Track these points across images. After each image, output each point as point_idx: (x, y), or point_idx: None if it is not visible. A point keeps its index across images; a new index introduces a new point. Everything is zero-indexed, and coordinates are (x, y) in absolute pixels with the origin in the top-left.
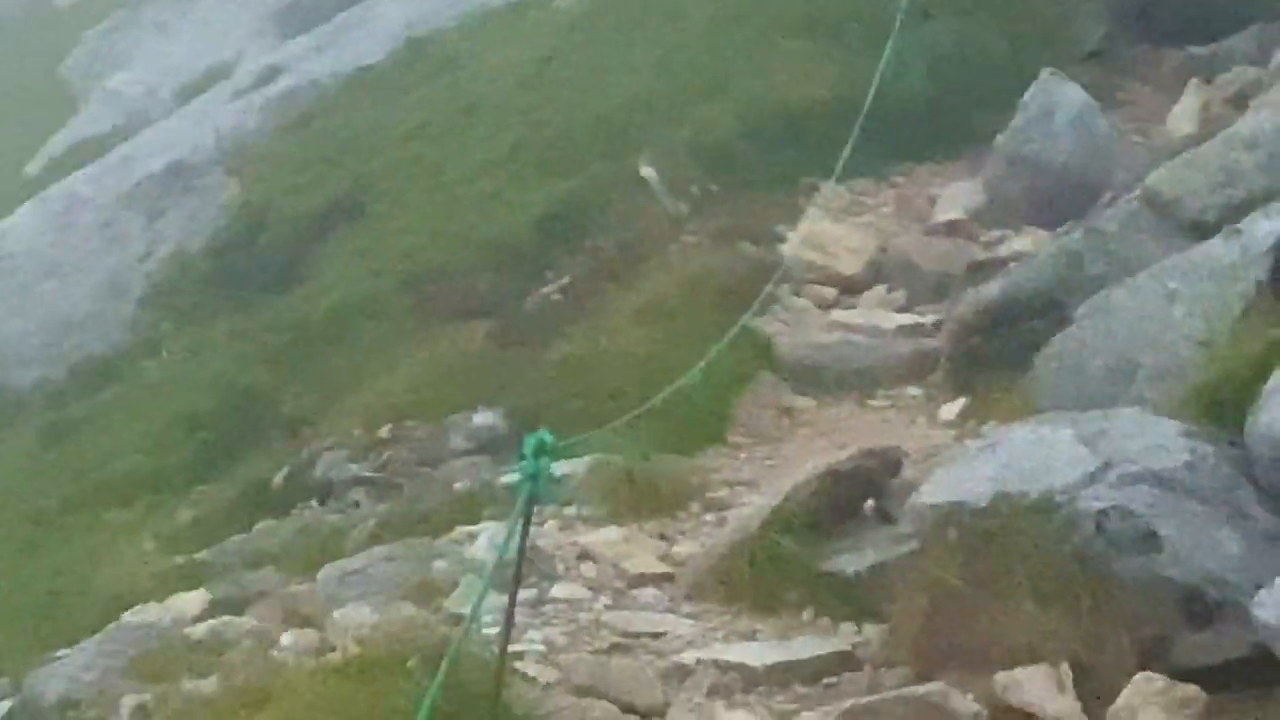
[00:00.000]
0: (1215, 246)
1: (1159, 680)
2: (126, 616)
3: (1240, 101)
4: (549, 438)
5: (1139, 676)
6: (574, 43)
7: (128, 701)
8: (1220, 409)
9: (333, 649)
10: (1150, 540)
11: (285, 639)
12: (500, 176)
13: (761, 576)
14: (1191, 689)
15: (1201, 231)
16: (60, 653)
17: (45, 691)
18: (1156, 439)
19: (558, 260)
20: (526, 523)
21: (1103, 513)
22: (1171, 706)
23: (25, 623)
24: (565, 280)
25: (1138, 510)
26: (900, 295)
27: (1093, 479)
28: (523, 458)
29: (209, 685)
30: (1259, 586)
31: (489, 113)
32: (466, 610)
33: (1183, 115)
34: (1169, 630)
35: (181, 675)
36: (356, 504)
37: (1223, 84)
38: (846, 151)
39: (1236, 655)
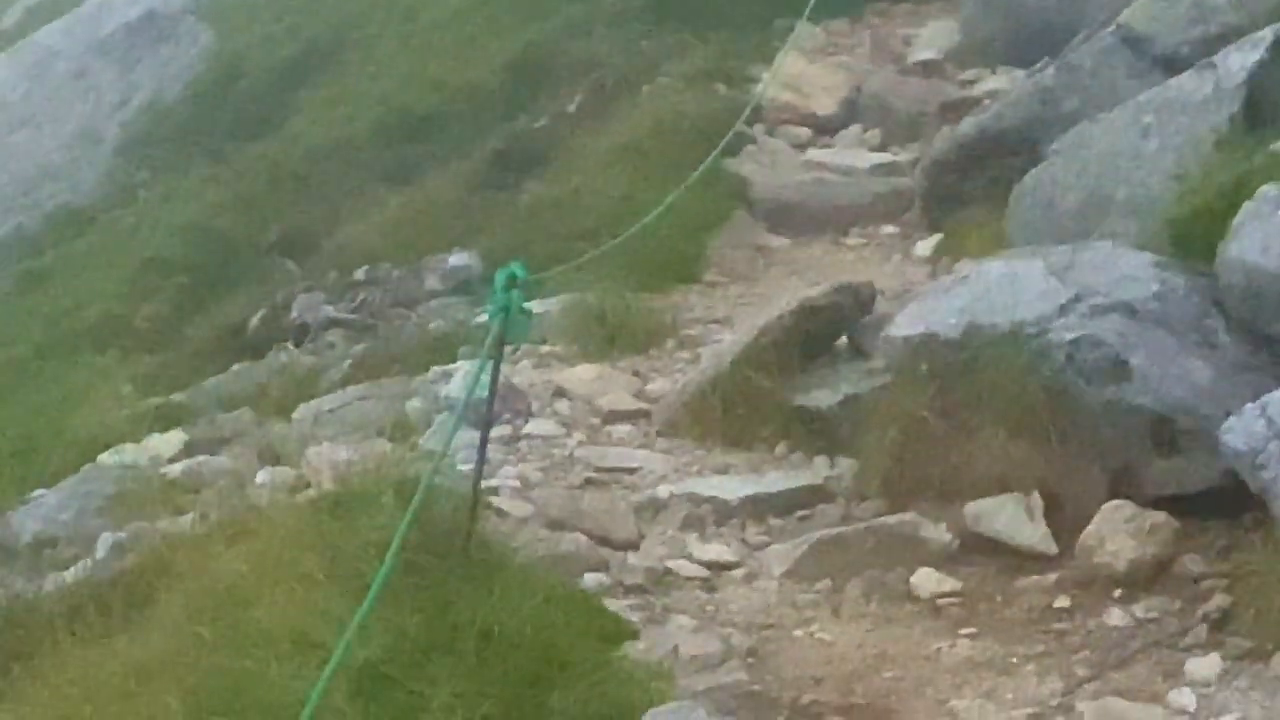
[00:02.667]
0: (1188, 81)
1: (1128, 508)
2: (103, 457)
3: None
4: (520, 271)
5: (1108, 505)
6: None
7: (104, 539)
8: (1191, 241)
9: (308, 486)
10: (1120, 370)
11: (261, 477)
12: (474, 21)
13: (735, 412)
14: (1161, 516)
15: (1175, 67)
16: (36, 493)
17: (21, 531)
18: (1127, 270)
19: (531, 104)
20: (499, 358)
21: (1073, 343)
22: (1141, 534)
23: (2, 466)
24: (538, 123)
25: (1108, 340)
26: (875, 135)
27: (1063, 310)
28: (494, 292)
29: (186, 522)
30: (1228, 414)
31: None
32: (440, 447)
33: None
34: (1139, 459)
35: (158, 513)
36: (332, 345)
37: None
38: None
39: (1206, 483)
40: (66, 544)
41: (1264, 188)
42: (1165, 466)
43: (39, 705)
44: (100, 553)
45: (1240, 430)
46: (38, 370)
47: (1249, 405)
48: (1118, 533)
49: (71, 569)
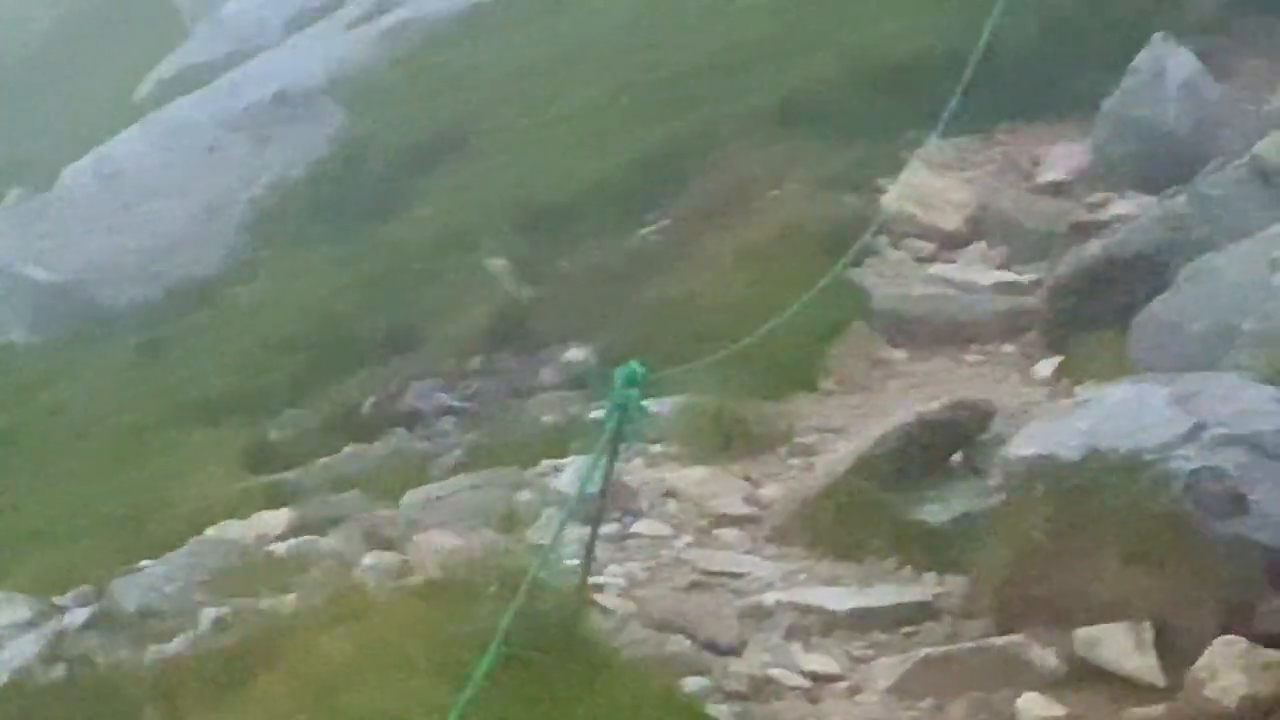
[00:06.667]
0: None
1: (1241, 643)
2: (209, 532)
3: None
4: (639, 369)
5: (1221, 639)
6: None
7: (207, 614)
8: None
9: (413, 572)
10: (1239, 503)
11: (366, 560)
12: (604, 116)
13: (846, 522)
14: (1274, 654)
15: None
16: (143, 564)
17: (126, 600)
18: (1251, 403)
19: (658, 201)
20: (612, 455)
21: (1193, 474)
22: (1253, 670)
23: (110, 534)
24: (664, 222)
25: (1229, 473)
26: (1000, 253)
27: (1185, 440)
28: (612, 389)
29: (289, 602)
30: None
31: (596, 52)
32: (548, 541)
33: None
34: (1254, 594)
35: (262, 591)
36: (444, 433)
37: None
38: (951, 105)
39: None
40: (169, 616)
41: None
42: None
43: None
44: (202, 627)
45: None
46: (150, 441)
47: None
48: (1229, 668)
49: (173, 642)
